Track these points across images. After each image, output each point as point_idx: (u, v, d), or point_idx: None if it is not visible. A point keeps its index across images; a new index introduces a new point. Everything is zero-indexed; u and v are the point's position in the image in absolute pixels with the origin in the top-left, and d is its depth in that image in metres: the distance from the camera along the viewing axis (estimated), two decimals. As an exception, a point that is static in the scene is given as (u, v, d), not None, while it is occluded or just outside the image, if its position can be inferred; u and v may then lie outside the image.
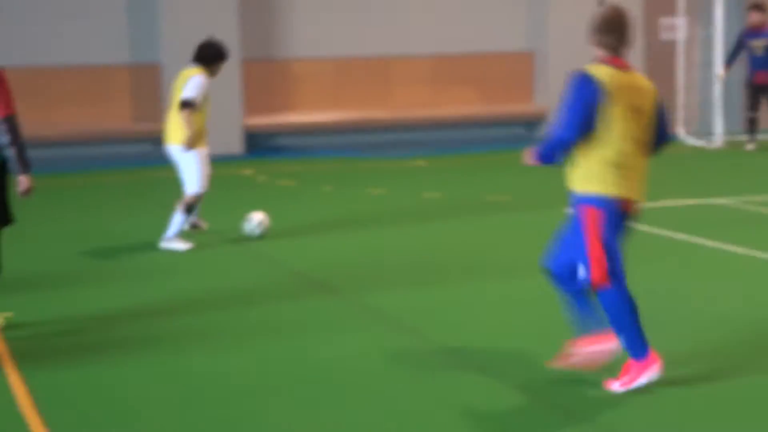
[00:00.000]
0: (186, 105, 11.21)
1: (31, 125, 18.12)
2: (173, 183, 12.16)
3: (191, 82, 11.31)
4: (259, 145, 19.76)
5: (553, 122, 7.05)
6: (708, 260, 10.83)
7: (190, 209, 11.47)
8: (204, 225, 12.27)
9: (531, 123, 21.08)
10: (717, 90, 19.89)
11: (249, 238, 11.78)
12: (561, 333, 7.38)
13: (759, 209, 13.36)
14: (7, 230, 8.32)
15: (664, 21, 20.94)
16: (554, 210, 13.09)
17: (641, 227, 11.65)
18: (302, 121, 20.01)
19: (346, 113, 20.14)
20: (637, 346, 6.67)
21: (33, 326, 8.52)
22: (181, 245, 11.36)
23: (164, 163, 12.79)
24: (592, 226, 6.67)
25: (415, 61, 20.58)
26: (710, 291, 9.50)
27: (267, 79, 19.70)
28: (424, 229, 12.64)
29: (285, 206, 13.86)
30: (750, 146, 19.25)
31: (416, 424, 6.35)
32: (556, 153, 6.82)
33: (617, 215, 6.70)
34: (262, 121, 19.71)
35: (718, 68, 19.57)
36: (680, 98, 20.33)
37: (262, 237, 11.87)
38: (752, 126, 19.26)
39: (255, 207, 12.45)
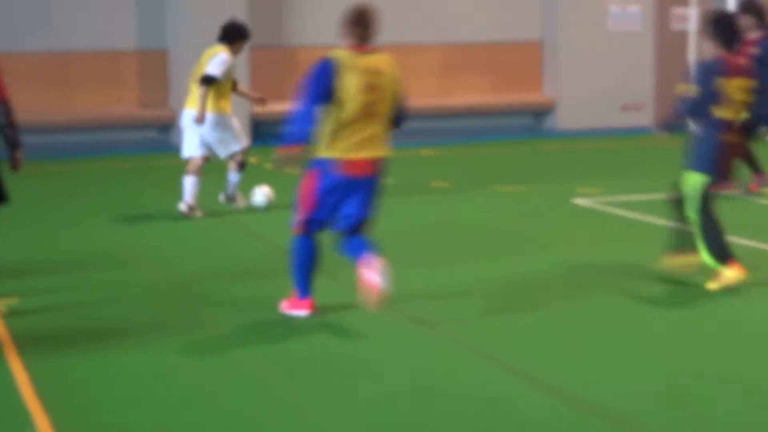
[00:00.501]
0: (207, 80, 12.02)
1: (38, 110, 18.38)
2: (180, 170, 12.26)
3: (216, 59, 12.14)
4: (266, 133, 19.73)
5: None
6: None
7: (242, 166, 12.65)
8: (242, 203, 12.83)
9: (540, 113, 21.05)
10: None
11: (256, 211, 12.35)
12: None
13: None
14: (11, 215, 8.35)
15: (676, 11, 20.87)
16: (563, 196, 13.34)
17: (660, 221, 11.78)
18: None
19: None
20: (301, 288, 8.23)
21: (36, 312, 8.50)
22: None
23: (171, 150, 12.85)
24: (309, 183, 8.11)
25: (425, 50, 20.54)
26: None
27: (275, 66, 19.66)
28: (430, 216, 12.76)
29: (290, 195, 13.83)
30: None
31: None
32: (301, 127, 8.04)
33: (339, 176, 7.99)
34: (270, 108, 19.66)
35: None
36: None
37: (267, 209, 12.41)
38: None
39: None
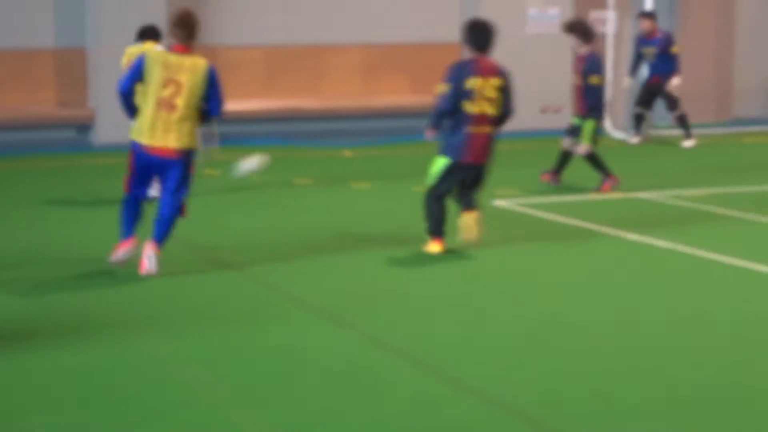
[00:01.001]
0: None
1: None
2: (98, 170, 12.21)
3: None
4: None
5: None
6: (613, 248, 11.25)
7: None
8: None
9: None
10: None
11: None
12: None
13: (677, 203, 13.60)
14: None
15: (594, 14, 21.09)
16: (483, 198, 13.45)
17: (559, 218, 12.00)
18: (231, 109, 19.86)
19: (276, 102, 20.10)
20: (123, 231, 9.84)
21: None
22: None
23: (89, 150, 12.81)
24: (129, 160, 9.77)
25: (346, 50, 20.55)
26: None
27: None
28: (348, 217, 12.87)
29: (210, 194, 13.83)
30: (635, 140, 19.84)
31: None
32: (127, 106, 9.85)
33: (143, 156, 9.63)
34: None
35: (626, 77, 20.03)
36: (608, 92, 20.49)
37: (259, 172, 13.01)
38: (639, 121, 19.90)
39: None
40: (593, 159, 14.22)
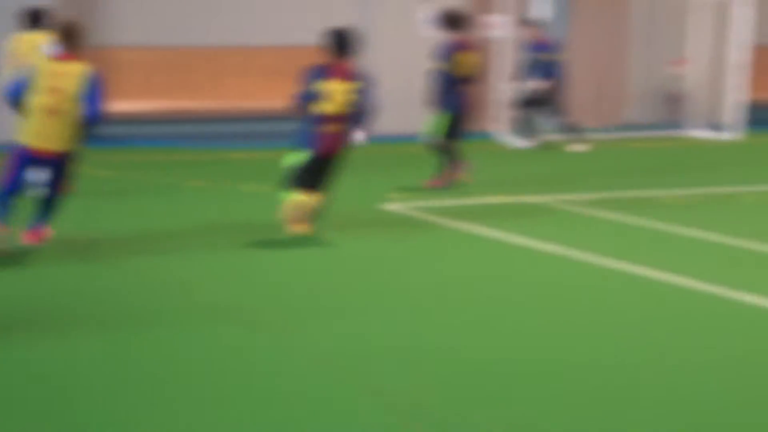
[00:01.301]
0: None
1: None
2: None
3: None
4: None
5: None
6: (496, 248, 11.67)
7: None
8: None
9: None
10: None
11: None
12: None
13: (568, 207, 13.81)
14: None
15: (485, 18, 21.21)
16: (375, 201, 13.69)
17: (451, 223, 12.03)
18: (126, 110, 19.68)
19: (174, 103, 19.96)
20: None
21: None
22: None
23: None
24: (11, 159, 10.25)
25: (247, 52, 20.45)
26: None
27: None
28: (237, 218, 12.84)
29: (102, 195, 13.77)
30: (524, 144, 20.01)
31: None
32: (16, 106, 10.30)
33: (27, 155, 10.14)
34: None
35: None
36: (496, 95, 20.76)
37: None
38: (526, 126, 20.07)
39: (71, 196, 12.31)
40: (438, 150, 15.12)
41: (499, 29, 20.77)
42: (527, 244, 11.61)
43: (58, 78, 10.12)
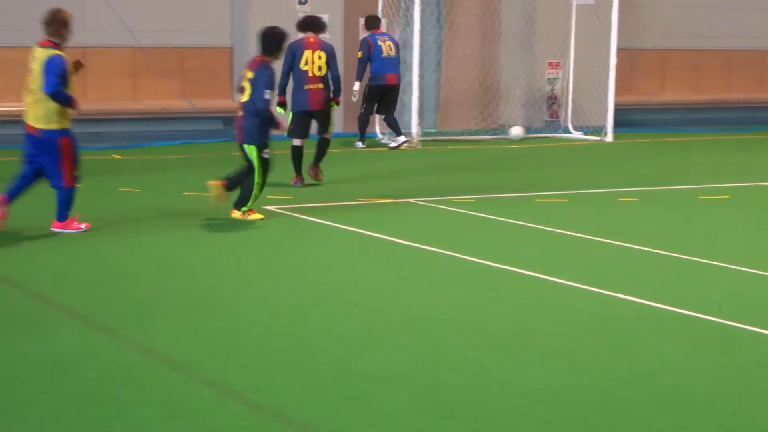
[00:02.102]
0: None
1: None
2: None
3: None
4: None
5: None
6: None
7: None
8: None
9: (229, 118, 21.02)
10: (414, 92, 20.44)
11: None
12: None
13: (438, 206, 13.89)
14: None
15: (363, 19, 21.28)
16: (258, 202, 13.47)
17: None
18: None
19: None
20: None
21: None
22: None
23: None
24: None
25: (113, 53, 20.22)
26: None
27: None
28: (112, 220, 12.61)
29: None
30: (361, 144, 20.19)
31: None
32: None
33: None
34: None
35: (414, 70, 20.20)
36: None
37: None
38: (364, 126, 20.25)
39: None
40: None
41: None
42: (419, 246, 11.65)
43: (33, 61, 11.55)
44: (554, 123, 22.76)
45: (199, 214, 12.90)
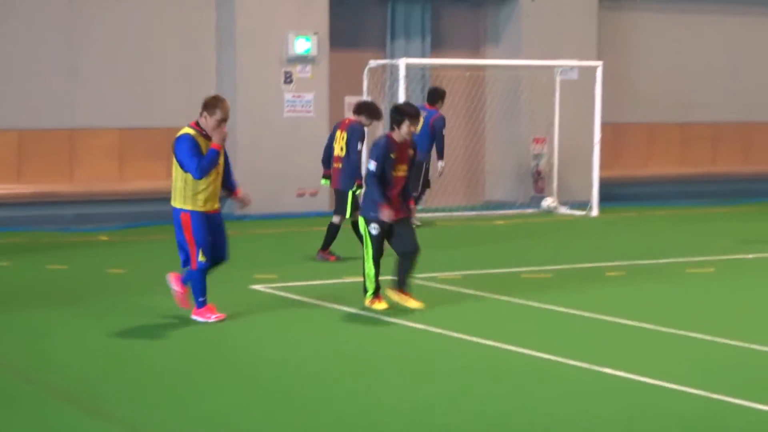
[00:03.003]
0: None
1: None
2: None
3: None
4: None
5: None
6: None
7: None
8: None
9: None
10: None
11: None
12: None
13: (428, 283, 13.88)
14: None
15: (349, 99, 21.46)
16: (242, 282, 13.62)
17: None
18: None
19: (28, 186, 19.62)
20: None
21: None
22: None
23: None
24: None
25: (100, 134, 20.26)
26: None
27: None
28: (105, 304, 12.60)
29: None
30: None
31: None
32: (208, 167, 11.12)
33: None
34: None
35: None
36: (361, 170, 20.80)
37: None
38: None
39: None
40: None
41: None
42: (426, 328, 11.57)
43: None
44: (539, 197, 22.61)
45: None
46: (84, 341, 10.80)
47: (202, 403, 8.55)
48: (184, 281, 11.47)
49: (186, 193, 11.29)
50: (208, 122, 11.11)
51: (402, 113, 11.68)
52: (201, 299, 11.41)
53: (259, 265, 14.90)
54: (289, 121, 20.94)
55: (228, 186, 11.71)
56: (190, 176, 11.15)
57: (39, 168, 19.91)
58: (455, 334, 10.95)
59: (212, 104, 11.20)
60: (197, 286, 11.38)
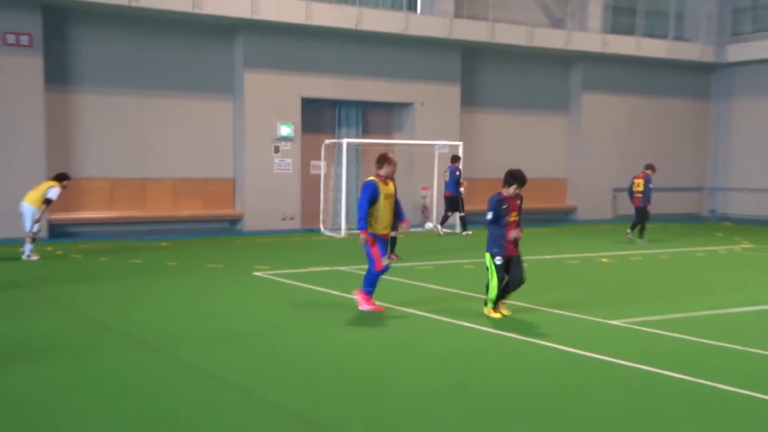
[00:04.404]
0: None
1: None
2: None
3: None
4: (57, 232, 18.94)
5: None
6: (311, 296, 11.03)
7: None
8: None
9: (233, 221, 20.88)
10: (342, 204, 20.27)
11: None
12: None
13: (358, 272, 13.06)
14: None
15: (313, 162, 21.69)
16: (247, 271, 13.14)
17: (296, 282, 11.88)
18: (89, 216, 19.37)
19: (117, 213, 19.59)
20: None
21: None
22: None
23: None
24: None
25: (162, 182, 20.33)
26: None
27: (67, 189, 18.83)
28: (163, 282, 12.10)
29: (71, 269, 13.39)
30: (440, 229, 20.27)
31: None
32: (362, 217, 9.56)
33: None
34: (63, 216, 18.98)
35: (343, 191, 20.15)
36: (321, 204, 20.86)
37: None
38: (444, 220, 20.37)
39: (51, 270, 12.25)
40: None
41: (321, 169, 21.20)
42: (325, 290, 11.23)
43: (389, 191, 9.98)
44: (424, 222, 22.07)
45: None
46: (154, 305, 10.27)
47: (251, 342, 8.02)
48: (363, 287, 9.96)
49: (371, 221, 9.73)
50: (385, 171, 9.88)
51: (514, 177, 9.42)
52: (369, 289, 9.88)
53: (258, 261, 14.54)
54: (277, 175, 20.72)
55: (399, 218, 10.24)
56: (373, 208, 9.68)
57: (123, 201, 19.85)
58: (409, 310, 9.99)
59: (380, 160, 9.99)
60: (372, 281, 9.85)
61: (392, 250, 14.76)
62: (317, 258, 15.27)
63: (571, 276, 13.61)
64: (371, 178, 9.81)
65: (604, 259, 15.84)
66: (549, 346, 8.23)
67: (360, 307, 9.87)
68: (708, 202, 28.17)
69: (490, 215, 9.46)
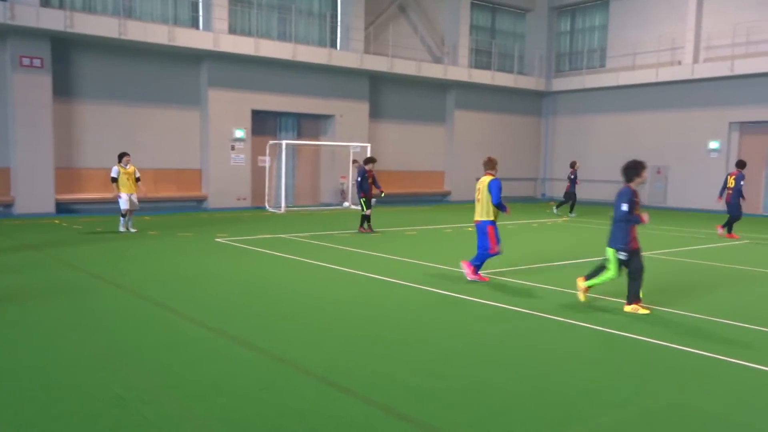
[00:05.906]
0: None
1: None
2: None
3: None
4: (63, 209, 17.99)
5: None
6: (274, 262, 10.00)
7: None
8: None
9: (201, 200, 20.10)
10: (282, 188, 20.04)
11: None
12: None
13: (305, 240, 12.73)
14: None
15: (260, 157, 21.31)
16: (211, 237, 12.68)
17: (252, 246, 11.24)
18: (88, 197, 18.45)
19: (111, 194, 18.50)
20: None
21: None
22: None
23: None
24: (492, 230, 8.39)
25: (146, 171, 19.28)
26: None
27: (71, 176, 17.95)
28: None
29: (73, 239, 12.50)
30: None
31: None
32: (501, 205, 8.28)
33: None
34: (68, 196, 17.98)
35: (282, 178, 19.85)
36: (266, 188, 20.68)
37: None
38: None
39: (58, 237, 11.49)
40: None
41: (267, 162, 20.92)
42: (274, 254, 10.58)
43: (482, 183, 8.44)
44: (342, 202, 21.76)
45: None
46: (138, 262, 9.52)
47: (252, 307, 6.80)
48: (472, 263, 8.53)
49: (490, 212, 8.37)
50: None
51: (639, 168, 6.93)
52: (478, 264, 8.45)
53: (219, 230, 14.00)
54: (233, 166, 20.13)
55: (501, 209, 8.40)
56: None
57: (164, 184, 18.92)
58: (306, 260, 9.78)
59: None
60: (483, 259, 8.45)
61: (368, 225, 14.18)
62: (263, 228, 14.92)
63: (449, 240, 13.36)
64: (493, 177, 8.42)
65: (470, 228, 15.57)
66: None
67: (468, 278, 8.37)
68: (540, 188, 29.02)
69: (625, 207, 6.82)
